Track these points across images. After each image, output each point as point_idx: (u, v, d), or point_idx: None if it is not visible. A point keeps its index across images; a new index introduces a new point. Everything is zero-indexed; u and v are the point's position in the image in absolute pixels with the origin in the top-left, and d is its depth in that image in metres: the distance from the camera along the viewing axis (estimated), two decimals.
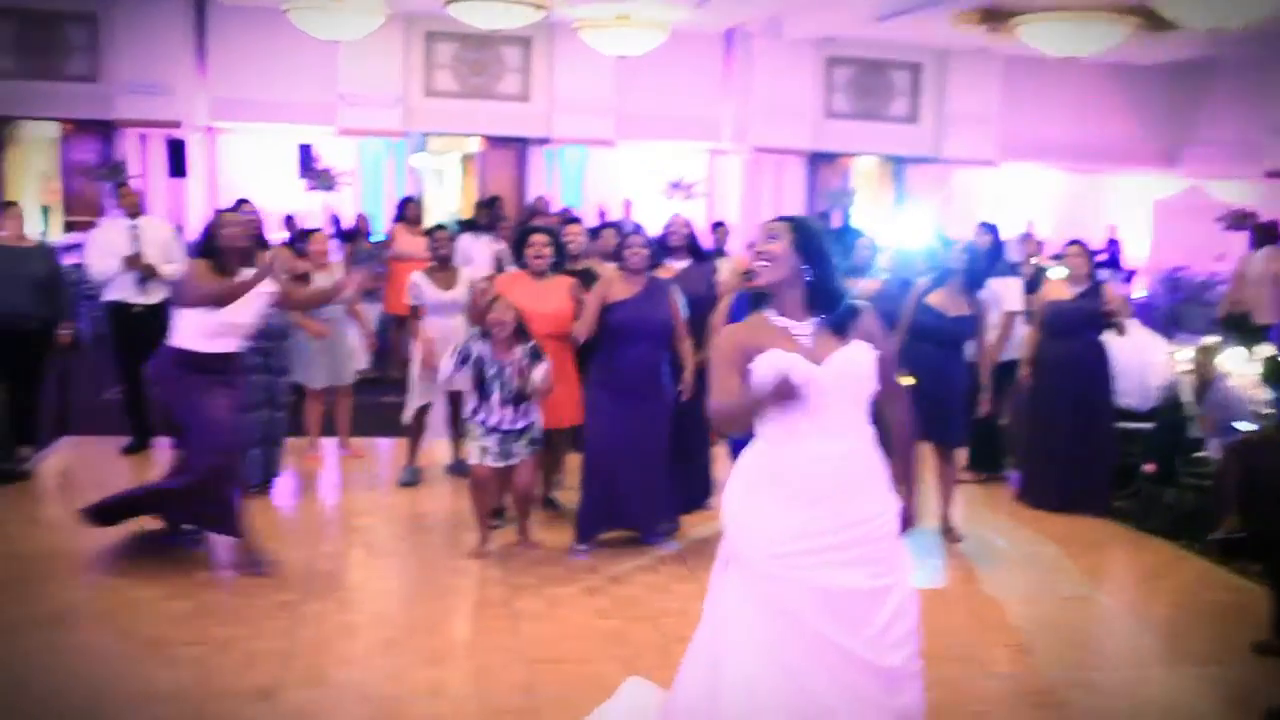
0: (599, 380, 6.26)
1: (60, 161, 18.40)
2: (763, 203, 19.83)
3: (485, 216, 11.71)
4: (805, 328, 3.43)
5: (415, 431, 7.68)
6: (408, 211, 11.03)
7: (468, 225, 11.98)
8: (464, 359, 6.09)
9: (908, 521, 3.51)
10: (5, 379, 7.39)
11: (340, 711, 4.36)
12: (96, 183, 17.37)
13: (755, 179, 19.86)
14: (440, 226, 7.85)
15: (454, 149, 20.43)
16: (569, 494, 7.26)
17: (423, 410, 7.63)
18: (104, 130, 17.74)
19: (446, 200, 20.74)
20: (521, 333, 6.10)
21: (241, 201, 7.46)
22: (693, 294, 6.72)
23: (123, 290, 7.91)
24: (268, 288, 5.81)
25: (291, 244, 7.78)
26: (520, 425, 6.13)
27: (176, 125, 17.34)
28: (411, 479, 7.61)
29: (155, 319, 8.00)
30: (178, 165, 16.83)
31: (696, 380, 6.19)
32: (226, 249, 5.80)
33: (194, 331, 5.76)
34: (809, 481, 3.31)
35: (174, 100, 17.31)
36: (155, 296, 7.99)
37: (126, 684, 4.48)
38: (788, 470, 3.34)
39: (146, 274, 7.87)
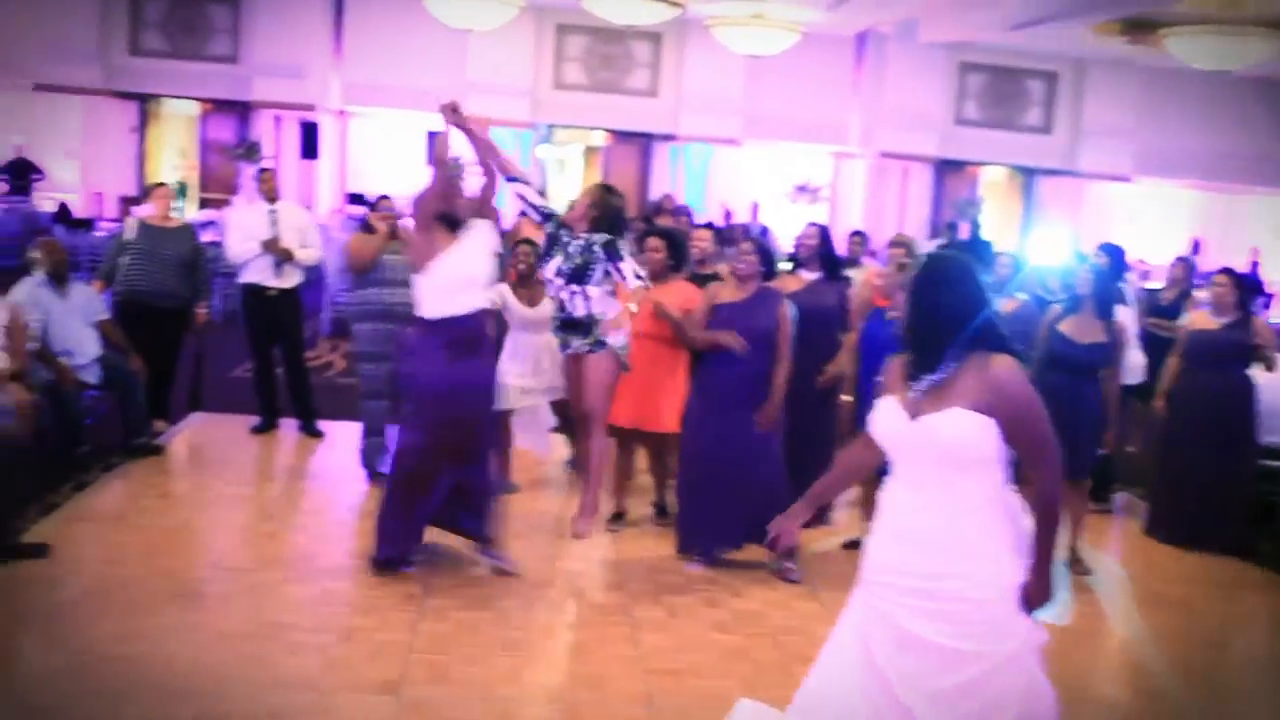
0: (697, 386, 6.17)
1: (198, 139, 18.89)
2: (887, 209, 19.56)
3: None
4: (924, 379, 3.22)
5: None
6: None
7: None
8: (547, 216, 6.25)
9: (1028, 600, 3.16)
10: (145, 354, 7.56)
11: (461, 710, 4.35)
12: (232, 161, 17.82)
13: (880, 184, 19.59)
14: (526, 242, 7.16)
15: (577, 141, 20.49)
16: None
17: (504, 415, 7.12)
18: (241, 110, 18.18)
19: (567, 192, 20.82)
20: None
21: (382, 198, 7.49)
22: (821, 308, 6.59)
23: (259, 273, 8.06)
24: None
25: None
26: (578, 314, 6.19)
27: (310, 108, 17.69)
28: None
29: (289, 302, 8.16)
30: (310, 147, 17.20)
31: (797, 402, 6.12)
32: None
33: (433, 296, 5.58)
34: (895, 522, 3.28)
35: (309, 83, 17.66)
36: (290, 280, 8.13)
37: (252, 668, 4.54)
38: (885, 506, 3.34)
39: (283, 258, 8.01)
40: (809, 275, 6.95)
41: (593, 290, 6.19)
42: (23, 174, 17.22)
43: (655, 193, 18.95)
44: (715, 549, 6.14)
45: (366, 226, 7.27)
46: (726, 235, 9.34)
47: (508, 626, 5.19)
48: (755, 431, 5.98)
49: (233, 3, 17.88)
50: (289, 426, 8.39)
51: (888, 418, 3.30)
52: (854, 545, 6.59)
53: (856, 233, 10.20)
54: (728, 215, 15.13)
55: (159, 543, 5.86)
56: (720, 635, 5.30)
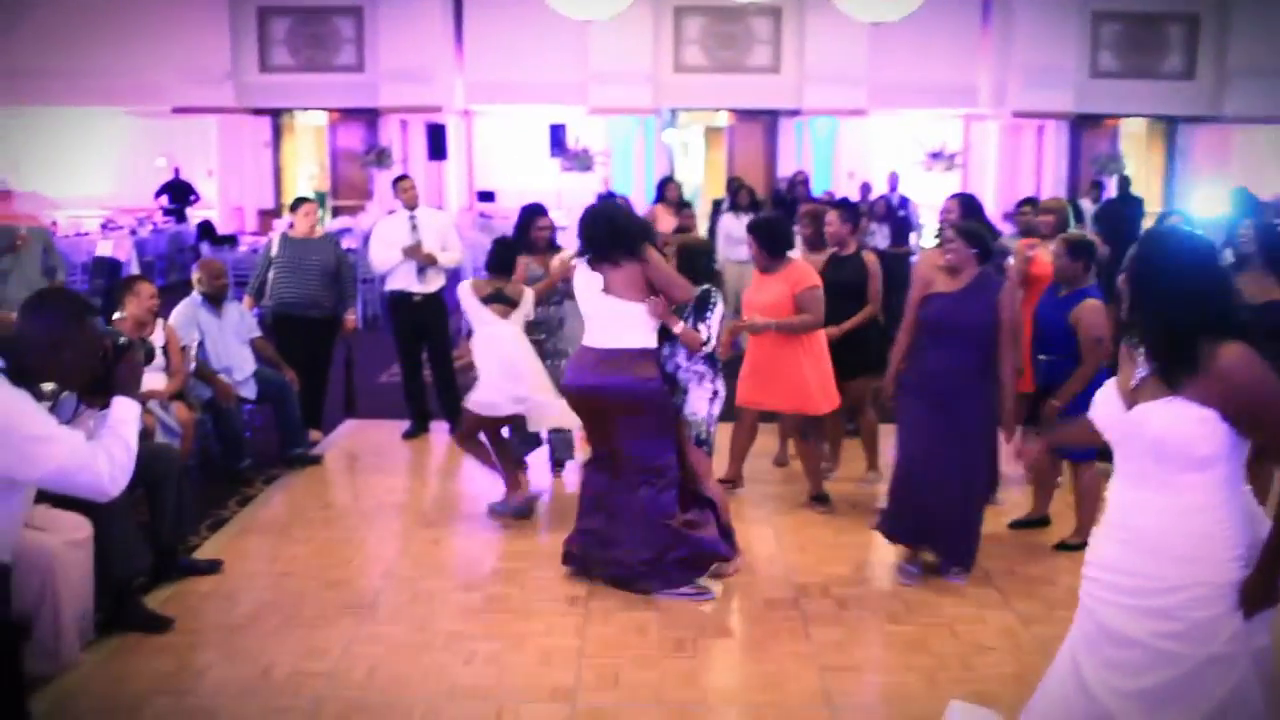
0: (907, 382, 5.73)
1: (328, 149, 19.31)
2: (1022, 171, 18.99)
3: (746, 197, 11.54)
4: (1145, 366, 3.00)
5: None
6: (667, 191, 10.98)
7: (723, 205, 11.84)
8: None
9: (1248, 600, 2.90)
10: (297, 366, 7.69)
11: (637, 716, 4.30)
12: (364, 168, 18.16)
13: (1014, 145, 19.03)
14: None
15: (698, 123, 20.35)
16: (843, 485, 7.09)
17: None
18: (369, 117, 18.51)
19: (691, 174, 20.73)
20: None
21: (539, 210, 7.33)
22: None
23: (403, 279, 8.13)
24: None
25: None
26: (669, 370, 5.73)
27: (436, 110, 17.91)
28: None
29: (434, 306, 8.21)
30: (437, 148, 17.43)
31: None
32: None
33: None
34: (1116, 519, 3.09)
35: (433, 86, 17.88)
36: (433, 284, 8.18)
37: (427, 678, 4.55)
38: (1109, 502, 3.16)
39: (426, 263, 8.06)
40: None
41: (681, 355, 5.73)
42: (183, 196, 17.83)
43: (783, 169, 18.72)
44: (906, 543, 5.76)
45: (517, 243, 7.01)
46: (859, 210, 8.96)
47: (676, 626, 5.11)
48: (968, 432, 5.50)
49: (356, 13, 18.19)
50: (439, 429, 8.46)
51: (1105, 405, 3.11)
52: (1021, 525, 6.38)
53: (1027, 200, 8.75)
54: (865, 188, 14.78)
55: (326, 553, 5.94)
56: (894, 626, 5.15)
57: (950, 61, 18.44)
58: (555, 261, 6.88)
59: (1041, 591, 5.44)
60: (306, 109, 18.85)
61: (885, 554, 5.99)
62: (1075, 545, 6.01)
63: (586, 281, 5.41)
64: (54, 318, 3.41)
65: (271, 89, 18.40)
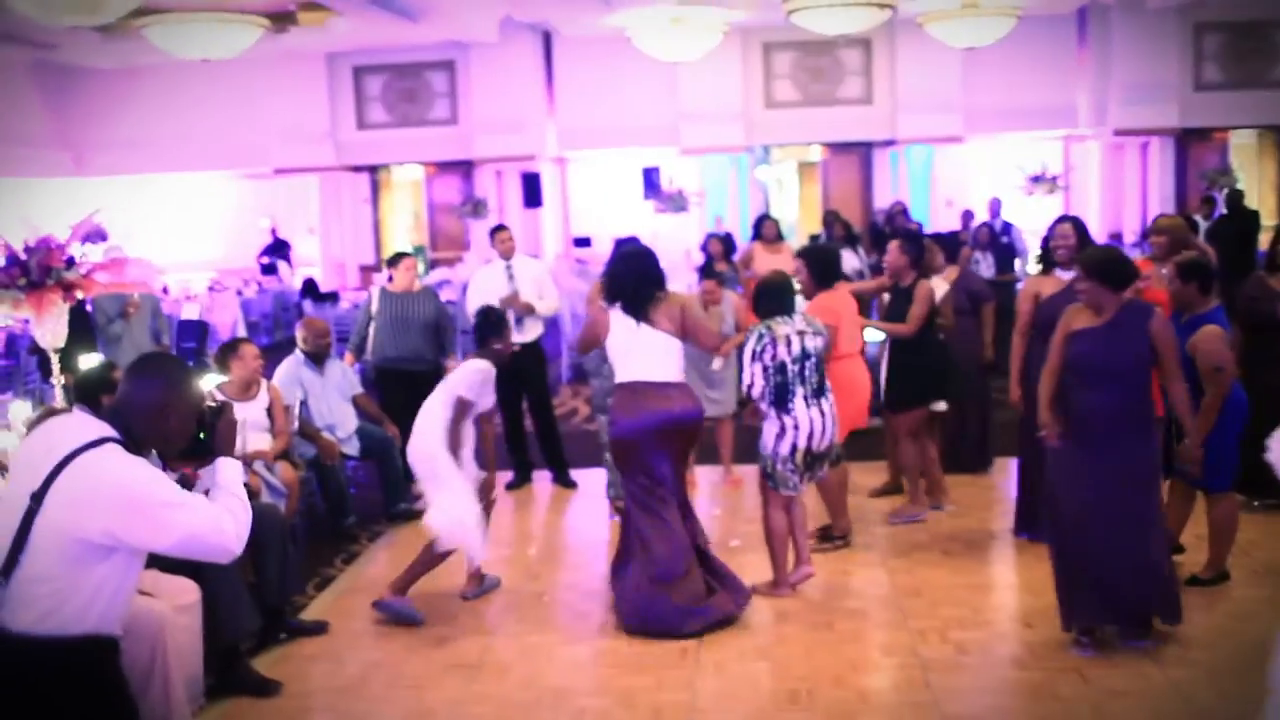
0: (1063, 428, 5.09)
1: (425, 202, 19.60)
2: (1126, 190, 18.49)
3: (842, 230, 11.42)
4: None
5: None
6: (764, 229, 10.84)
7: (820, 239, 11.71)
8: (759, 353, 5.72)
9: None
10: (400, 419, 7.70)
11: None
12: (461, 219, 18.39)
13: (1116, 165, 18.54)
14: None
15: (790, 158, 20.21)
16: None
17: None
18: (464, 169, 18.75)
19: (786, 211, 20.58)
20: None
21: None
22: None
23: None
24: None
25: None
26: (828, 442, 5.83)
27: (530, 158, 18.07)
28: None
29: (532, 355, 8.19)
30: (533, 196, 17.57)
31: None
32: None
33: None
34: None
35: (526, 135, 18.04)
36: (532, 333, 8.17)
37: None
38: None
39: (524, 312, 8.05)
40: (1067, 276, 6.31)
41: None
42: (283, 254, 18.22)
43: (879, 201, 18.49)
44: (1099, 624, 5.09)
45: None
46: (956, 240, 8.72)
47: (789, 678, 4.95)
48: (1128, 484, 4.96)
49: (448, 67, 18.47)
50: (542, 479, 8.41)
51: None
52: None
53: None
54: (966, 216, 14.44)
55: (432, 610, 5.87)
56: (1019, 672, 4.93)
57: (1047, 82, 18.05)
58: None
59: (1175, 631, 5.14)
60: (403, 164, 19.17)
61: (1004, 596, 5.76)
62: (1207, 580, 5.71)
63: (621, 323, 5.62)
64: (159, 384, 3.38)
65: (369, 145, 18.76)
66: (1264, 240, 12.07)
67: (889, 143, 18.55)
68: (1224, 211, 14.32)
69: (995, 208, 13.63)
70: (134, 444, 3.29)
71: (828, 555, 6.40)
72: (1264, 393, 5.81)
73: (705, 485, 8.06)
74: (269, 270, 18.09)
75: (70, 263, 5.53)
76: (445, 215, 19.31)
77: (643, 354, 5.56)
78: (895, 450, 7.33)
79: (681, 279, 13.18)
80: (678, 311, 5.63)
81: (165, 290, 14.77)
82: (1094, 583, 4.97)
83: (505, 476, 8.40)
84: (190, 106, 18.35)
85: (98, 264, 5.81)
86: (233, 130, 18.51)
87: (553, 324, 11.02)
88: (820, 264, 6.69)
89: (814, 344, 5.79)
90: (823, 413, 5.79)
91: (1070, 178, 18.55)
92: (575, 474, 8.32)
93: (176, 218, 19.55)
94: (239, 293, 16.03)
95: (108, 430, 3.24)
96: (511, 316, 8.04)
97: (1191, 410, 5.08)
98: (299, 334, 7.47)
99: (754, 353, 5.68)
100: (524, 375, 8.19)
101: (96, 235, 7.37)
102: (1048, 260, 6.52)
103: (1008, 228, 13.24)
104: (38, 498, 3.09)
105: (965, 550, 6.47)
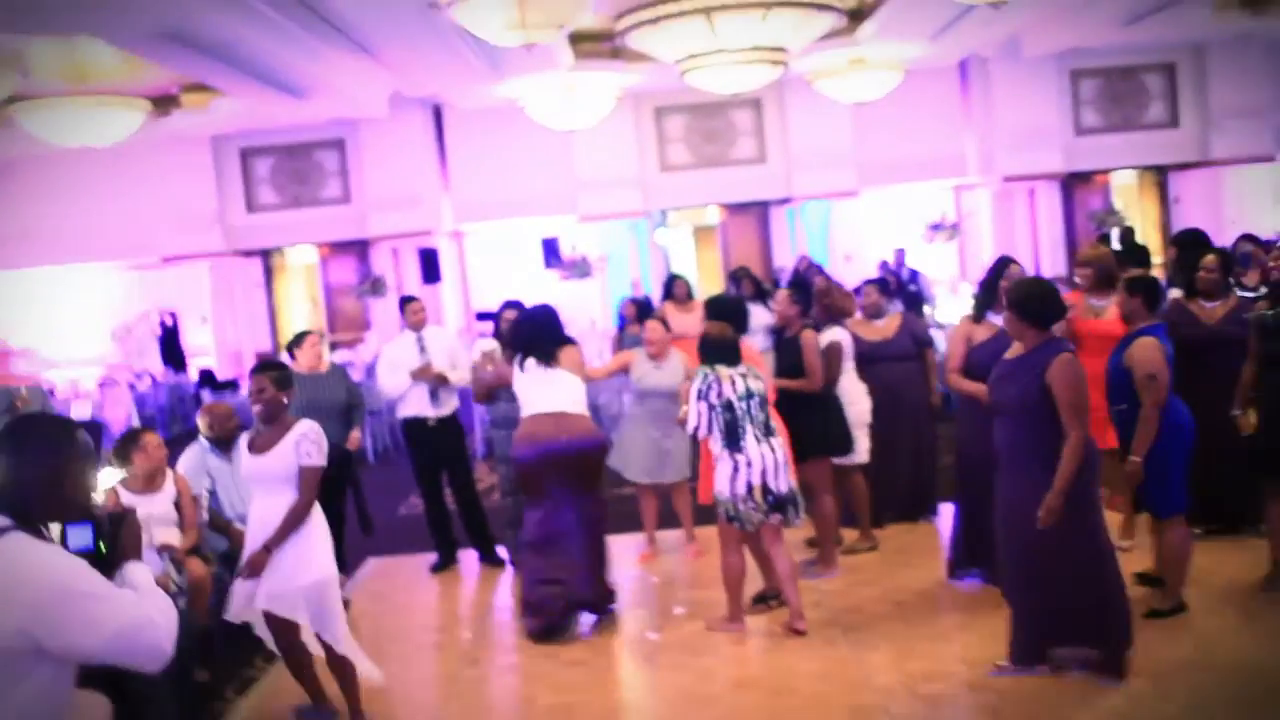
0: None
1: (321, 284, 19.15)
2: (1017, 235, 18.85)
3: (750, 286, 11.37)
4: None
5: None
6: (675, 289, 10.73)
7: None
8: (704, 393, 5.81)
9: None
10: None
11: None
12: (359, 299, 18.00)
13: (1006, 210, 18.91)
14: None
15: (687, 222, 20.19)
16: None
17: None
18: (359, 248, 18.38)
19: (687, 273, 20.49)
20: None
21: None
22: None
23: (416, 405, 7.80)
24: None
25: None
26: (786, 485, 5.80)
27: (427, 233, 17.79)
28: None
29: (450, 429, 7.88)
30: (431, 272, 17.27)
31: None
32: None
33: None
34: None
35: (422, 210, 17.78)
36: (448, 407, 7.86)
37: None
38: None
39: (438, 382, 7.74)
40: (998, 320, 6.17)
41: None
42: (174, 350, 17.53)
43: (779, 259, 18.55)
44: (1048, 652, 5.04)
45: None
46: (887, 286, 8.59)
47: None
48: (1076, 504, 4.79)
49: (338, 145, 18.17)
50: (468, 558, 8.05)
51: None
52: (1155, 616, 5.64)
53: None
54: (884, 266, 14.46)
55: (371, 705, 5.48)
56: None
57: (935, 133, 18.39)
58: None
59: (1143, 666, 4.97)
60: (296, 245, 18.72)
61: (965, 643, 5.57)
62: (1166, 611, 5.58)
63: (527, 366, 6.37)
64: (44, 450, 2.93)
65: (259, 229, 18.29)
66: (1159, 273, 12.28)
67: (785, 200, 18.67)
68: (1118, 249, 14.59)
69: (900, 256, 13.69)
70: (32, 526, 2.85)
71: (776, 616, 6.16)
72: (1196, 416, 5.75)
73: (666, 550, 7.77)
74: (172, 362, 17.37)
75: None
76: (342, 297, 18.88)
77: (547, 389, 6.25)
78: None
79: (591, 346, 12.97)
80: (578, 355, 6.43)
81: (52, 391, 14.10)
82: (1040, 612, 4.94)
83: (429, 558, 8.05)
84: (71, 196, 17.71)
85: None
86: (117, 219, 17.90)
87: (465, 398, 10.69)
88: (719, 315, 6.41)
89: (756, 385, 5.84)
90: (773, 450, 5.77)
91: (962, 224, 18.86)
92: (502, 550, 7.98)
93: (61, 313, 18.81)
94: (131, 386, 15.39)
95: (1, 519, 2.82)
96: (425, 390, 7.76)
97: (1075, 457, 4.71)
98: (201, 422, 7.01)
99: (699, 392, 5.77)
100: (443, 451, 7.87)
101: None
102: (981, 304, 6.39)
103: (915, 275, 13.31)
104: None
105: (918, 600, 6.28)
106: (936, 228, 17.29)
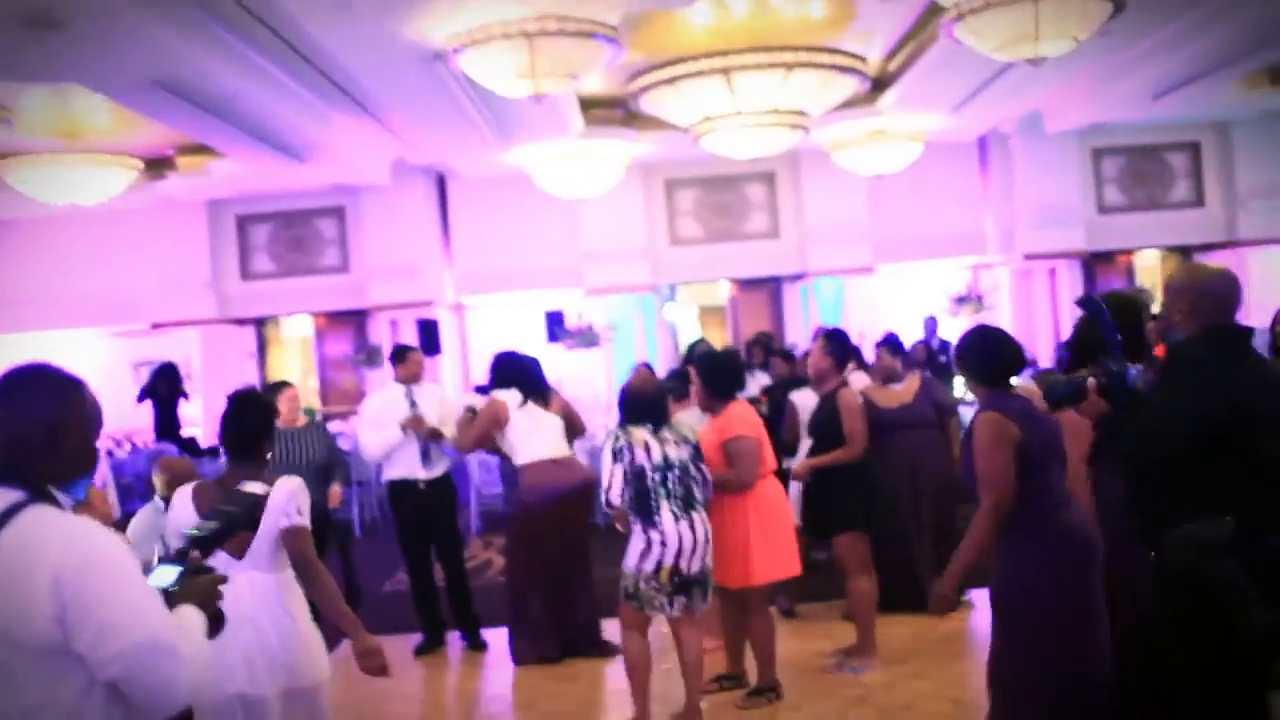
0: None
1: (316, 355, 18.52)
2: (1037, 314, 18.28)
3: (760, 354, 10.83)
4: None
5: None
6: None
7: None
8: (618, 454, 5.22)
9: None
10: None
11: None
12: (355, 370, 17.37)
13: (1025, 289, 18.34)
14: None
15: (697, 299, 19.62)
16: None
17: None
18: (356, 319, 17.78)
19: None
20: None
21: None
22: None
23: (405, 465, 7.10)
24: None
25: None
26: (700, 564, 5.17)
27: (427, 304, 17.17)
28: None
29: (442, 492, 7.17)
30: (431, 344, 16.64)
31: None
32: None
33: None
34: None
35: (422, 281, 17.18)
36: (439, 468, 7.17)
37: None
38: None
39: (430, 437, 7.04)
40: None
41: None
42: (169, 418, 16.67)
43: (790, 335, 17.93)
44: None
45: None
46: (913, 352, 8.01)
47: None
48: None
49: (338, 213, 17.64)
50: (456, 641, 7.28)
51: None
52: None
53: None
54: (929, 330, 13.78)
55: None
56: None
57: (954, 209, 17.83)
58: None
59: None
60: (291, 314, 18.10)
61: None
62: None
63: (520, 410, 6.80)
64: (42, 396, 2.40)
65: (254, 297, 17.67)
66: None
67: (799, 276, 18.08)
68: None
69: (932, 326, 13.06)
70: (36, 488, 2.33)
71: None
72: None
73: None
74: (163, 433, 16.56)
75: None
76: (337, 369, 18.22)
77: (543, 434, 6.69)
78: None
79: (595, 419, 12.27)
80: (558, 400, 7.02)
81: None
82: None
83: (413, 639, 7.27)
84: (58, 259, 17.09)
85: None
86: (105, 285, 17.26)
87: (460, 467, 9.99)
88: (710, 371, 5.72)
89: (678, 453, 5.16)
90: (693, 528, 5.10)
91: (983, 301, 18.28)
92: (487, 633, 7.20)
93: None
94: (110, 454, 14.68)
95: (13, 494, 2.30)
96: (416, 449, 7.06)
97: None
98: (156, 479, 6.06)
99: (614, 453, 5.16)
100: (432, 518, 7.14)
101: None
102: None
103: (945, 345, 12.71)
104: None
105: (981, 698, 5.50)
106: (962, 300, 16.70)
